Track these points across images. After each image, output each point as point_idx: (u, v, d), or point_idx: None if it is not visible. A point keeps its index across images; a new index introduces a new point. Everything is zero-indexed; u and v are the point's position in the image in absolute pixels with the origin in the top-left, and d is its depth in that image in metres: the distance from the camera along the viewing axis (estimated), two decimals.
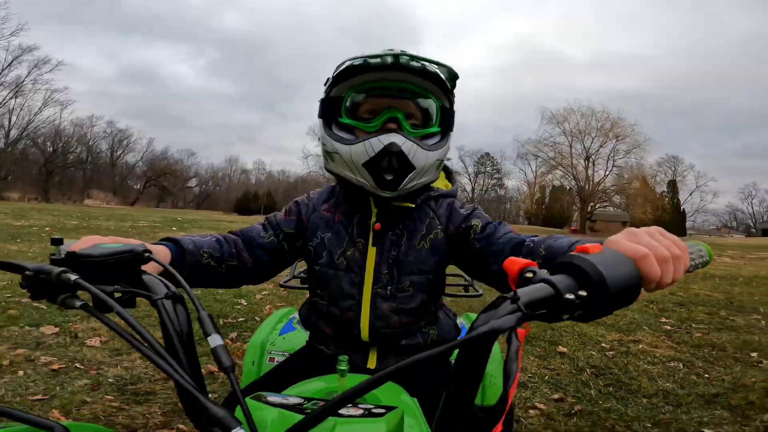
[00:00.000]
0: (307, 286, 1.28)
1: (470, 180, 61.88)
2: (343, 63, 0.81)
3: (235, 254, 0.86)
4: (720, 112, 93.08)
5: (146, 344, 0.41)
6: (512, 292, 0.39)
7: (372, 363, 0.89)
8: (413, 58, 0.76)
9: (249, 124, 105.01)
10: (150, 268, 0.55)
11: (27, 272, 0.45)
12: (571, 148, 42.46)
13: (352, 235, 0.88)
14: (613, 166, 42.48)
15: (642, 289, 0.43)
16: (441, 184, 1.00)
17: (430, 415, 0.63)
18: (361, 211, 0.88)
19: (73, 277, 0.44)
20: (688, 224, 60.05)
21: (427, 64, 0.77)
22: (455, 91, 0.86)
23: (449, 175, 1.02)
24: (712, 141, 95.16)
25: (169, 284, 0.48)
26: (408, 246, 0.87)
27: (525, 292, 0.39)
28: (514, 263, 0.44)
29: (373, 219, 0.87)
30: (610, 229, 43.78)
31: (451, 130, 0.87)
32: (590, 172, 42.37)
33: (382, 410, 0.54)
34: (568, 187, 45.21)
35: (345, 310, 0.87)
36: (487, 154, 62.79)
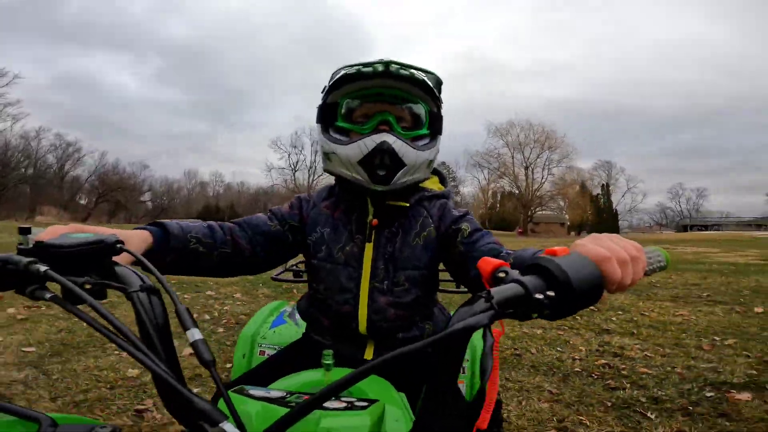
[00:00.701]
0: (299, 279, 1.52)
1: None
2: (337, 72, 0.88)
3: (229, 242, 0.88)
4: (642, 117, 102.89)
5: (123, 337, 0.40)
6: (486, 291, 0.42)
7: (369, 355, 0.94)
8: (402, 66, 0.84)
9: (199, 133, 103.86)
10: (123, 258, 0.54)
11: None
12: (513, 158, 49.17)
13: (350, 232, 0.94)
14: (548, 174, 49.34)
15: (605, 290, 0.47)
16: (434, 187, 1.07)
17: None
18: (359, 209, 0.95)
19: (42, 268, 0.43)
20: (624, 223, 67.53)
21: (415, 72, 0.85)
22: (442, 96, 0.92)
23: (443, 180, 1.10)
24: (639, 144, 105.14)
25: (144, 276, 0.48)
26: (403, 242, 0.92)
27: (498, 291, 0.42)
28: (488, 263, 0.47)
29: (370, 216, 0.93)
30: (551, 230, 49.64)
31: (440, 133, 0.94)
32: (530, 180, 48.78)
33: (365, 403, 0.58)
34: (517, 192, 50.93)
35: (343, 303, 0.92)
36: (443, 163, 67.53)
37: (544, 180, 49.21)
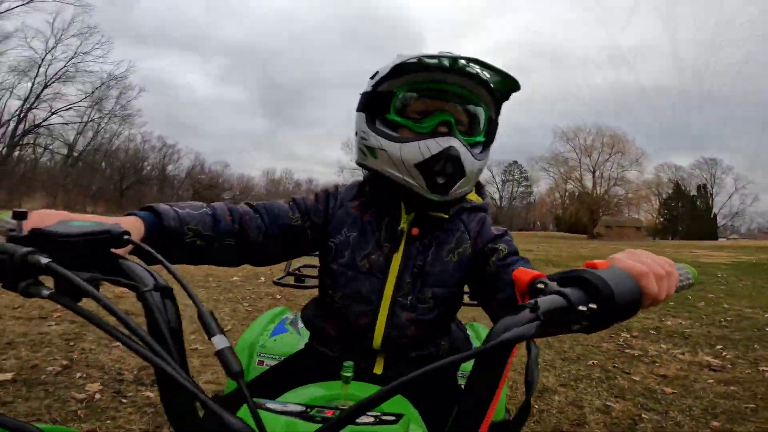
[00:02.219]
0: (300, 284, 1.48)
1: (498, 189, 66.70)
2: (397, 59, 0.82)
3: (236, 231, 0.82)
4: (759, 105, 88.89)
5: (140, 342, 0.38)
6: (532, 301, 0.42)
7: (379, 369, 0.90)
8: (471, 61, 0.78)
9: (264, 131, 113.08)
10: (125, 251, 0.52)
11: None
12: (579, 162, 49.45)
13: (378, 239, 0.89)
14: (617, 178, 48.80)
15: (641, 305, 0.48)
16: (472, 197, 1.03)
17: (430, 428, 0.68)
18: (391, 214, 0.90)
19: (44, 260, 0.39)
20: (742, 227, 60.88)
21: (481, 70, 0.79)
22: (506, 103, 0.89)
23: (480, 189, 1.06)
24: (753, 137, 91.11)
25: (156, 274, 0.45)
26: (435, 257, 0.89)
27: (543, 302, 0.42)
28: (525, 273, 0.48)
29: (403, 224, 0.88)
30: (624, 234, 47.54)
31: (493, 142, 0.91)
32: (597, 184, 48.92)
33: (392, 417, 0.57)
34: (581, 192, 49.96)
35: (360, 314, 0.88)
36: (515, 162, 67.04)
37: (612, 184, 48.74)
